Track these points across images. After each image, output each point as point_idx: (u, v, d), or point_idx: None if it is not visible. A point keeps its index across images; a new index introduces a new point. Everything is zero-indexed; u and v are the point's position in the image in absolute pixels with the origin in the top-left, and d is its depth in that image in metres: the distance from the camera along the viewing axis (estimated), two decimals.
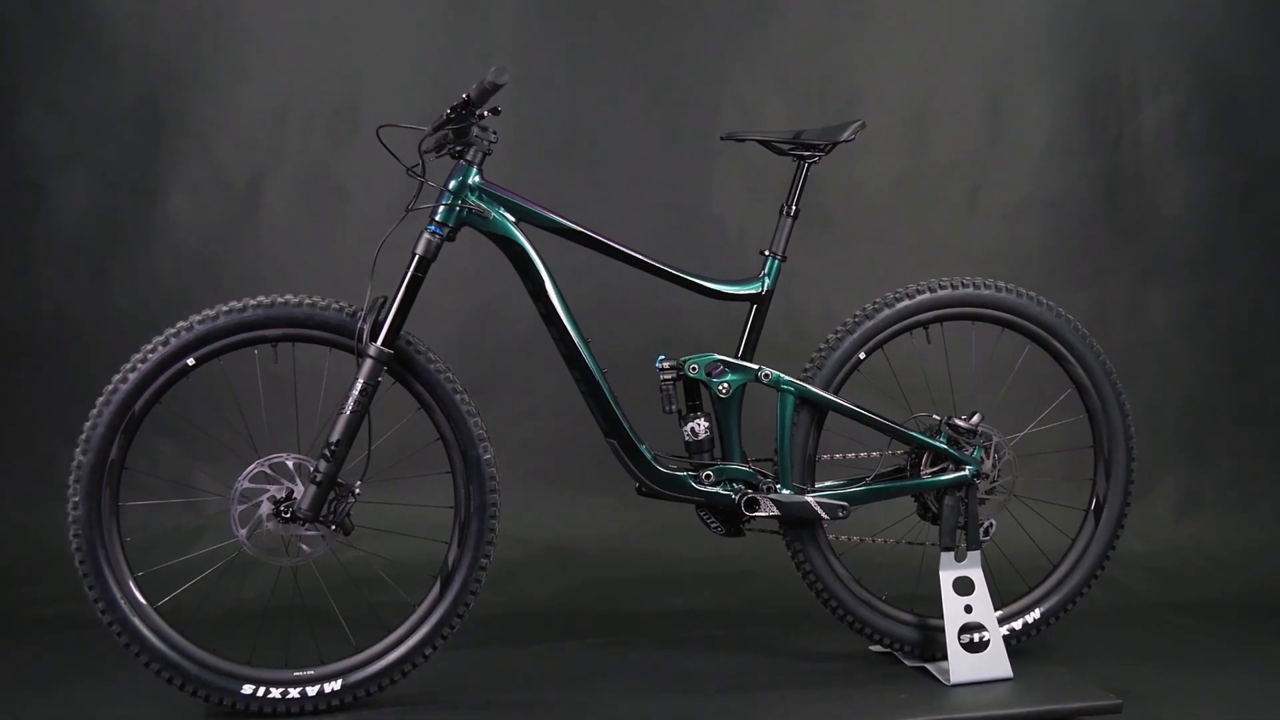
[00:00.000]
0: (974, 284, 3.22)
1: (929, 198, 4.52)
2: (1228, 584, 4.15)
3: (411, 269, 2.87)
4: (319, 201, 4.53)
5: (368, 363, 2.81)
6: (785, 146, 3.18)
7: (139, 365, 2.81)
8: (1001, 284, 3.24)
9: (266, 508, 2.83)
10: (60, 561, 4.34)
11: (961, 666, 3.07)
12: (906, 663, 3.23)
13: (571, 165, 4.49)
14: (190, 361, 2.83)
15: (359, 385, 2.79)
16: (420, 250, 2.87)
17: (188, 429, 4.52)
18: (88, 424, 2.81)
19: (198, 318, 2.84)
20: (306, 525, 2.81)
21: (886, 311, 3.21)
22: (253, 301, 2.87)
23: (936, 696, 2.99)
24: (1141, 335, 4.54)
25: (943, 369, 3.36)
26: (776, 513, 3.07)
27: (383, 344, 2.82)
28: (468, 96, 2.78)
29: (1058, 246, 4.54)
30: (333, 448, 2.77)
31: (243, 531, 2.85)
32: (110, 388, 2.82)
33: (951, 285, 3.21)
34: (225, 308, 2.85)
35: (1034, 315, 3.25)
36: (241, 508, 2.87)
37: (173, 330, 2.83)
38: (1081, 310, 4.52)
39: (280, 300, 2.87)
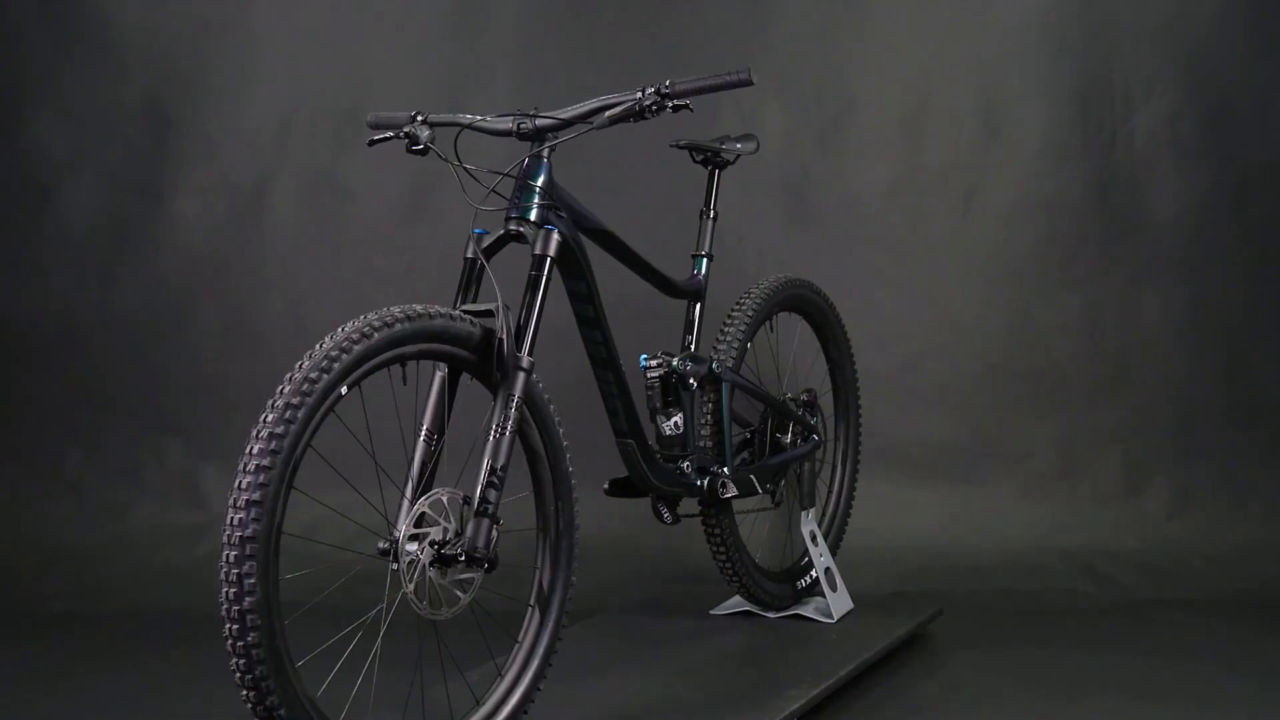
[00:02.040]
0: (792, 282, 3.55)
1: (924, 200, 4.56)
2: (1220, 581, 4.17)
3: (538, 273, 2.58)
4: (324, 204, 4.57)
5: (520, 376, 2.48)
6: (697, 157, 3.42)
7: (295, 403, 2.18)
8: (807, 281, 3.60)
9: (427, 553, 2.34)
10: (66, 559, 4.43)
11: (838, 603, 3.52)
12: (769, 615, 3.51)
13: (570, 169, 4.51)
14: (343, 390, 2.28)
15: (515, 401, 2.46)
16: (545, 250, 2.59)
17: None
18: (249, 484, 2.13)
19: (345, 338, 2.28)
20: (472, 566, 2.39)
21: (754, 306, 3.41)
22: (398, 312, 2.36)
23: (836, 632, 3.42)
24: (1134, 335, 4.57)
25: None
26: (736, 492, 3.23)
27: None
28: (664, 90, 2.57)
29: (1051, 248, 4.57)
30: (500, 474, 2.42)
31: (410, 587, 2.31)
32: (265, 435, 2.15)
33: (790, 283, 3.53)
34: (376, 322, 2.32)
35: (820, 308, 3.66)
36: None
37: (321, 358, 2.24)
38: (1075, 311, 4.57)
39: (419, 311, 2.39)
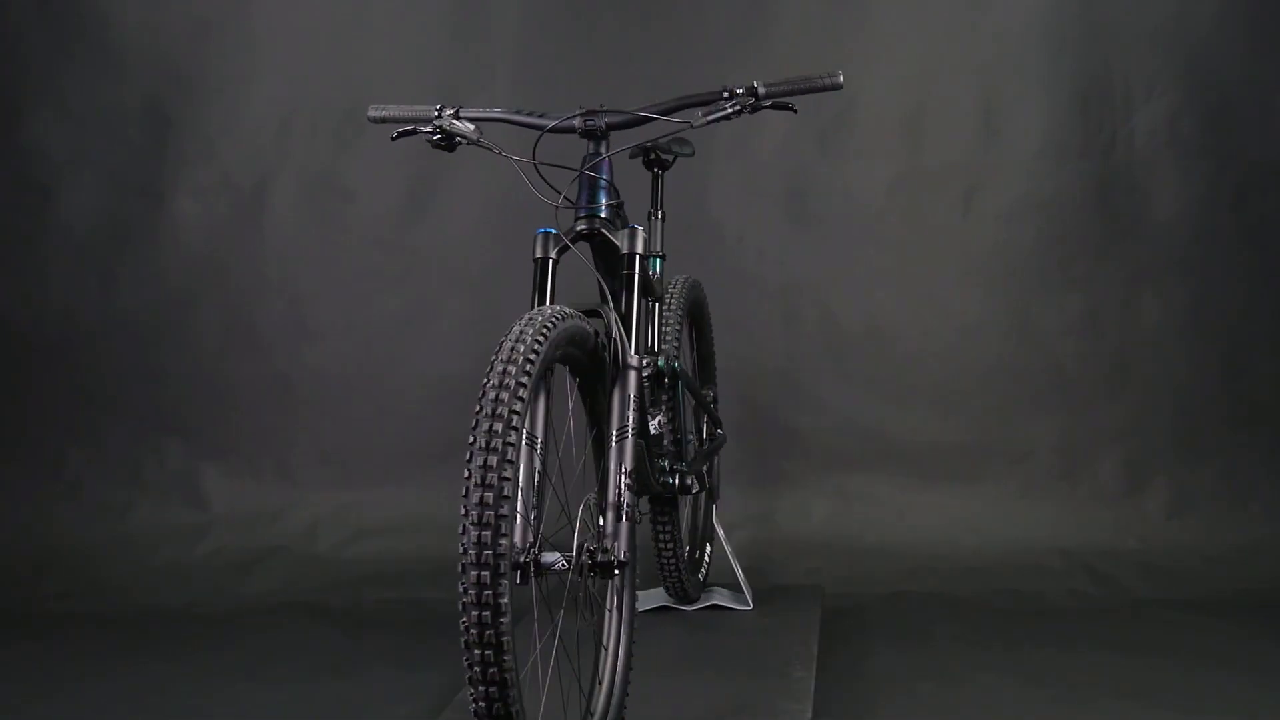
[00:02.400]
0: (695, 283, 3.54)
1: (924, 200, 4.56)
2: (1220, 581, 4.17)
3: (631, 272, 2.56)
4: (324, 204, 4.57)
5: (634, 376, 2.43)
6: (642, 160, 3.36)
7: (518, 410, 2.06)
8: (698, 281, 3.61)
9: (584, 563, 2.23)
10: (66, 559, 4.44)
11: (748, 590, 3.55)
12: (687, 609, 3.54)
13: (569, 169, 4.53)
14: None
15: (633, 402, 2.40)
16: (634, 248, 2.56)
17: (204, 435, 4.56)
18: (494, 499, 1.98)
19: (532, 339, 2.14)
20: (616, 571, 2.30)
21: (681, 306, 3.41)
22: (549, 314, 2.23)
23: (761, 617, 3.46)
24: (1133, 336, 4.57)
25: None
26: (698, 488, 3.26)
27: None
28: (756, 91, 2.59)
29: (1051, 248, 4.56)
30: (632, 477, 2.36)
31: (578, 597, 2.27)
32: (499, 446, 2.01)
33: (694, 284, 3.53)
34: (546, 324, 2.19)
35: (703, 307, 3.69)
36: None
37: (522, 362, 2.10)
38: (1074, 312, 4.57)
39: (563, 312, 2.27)
